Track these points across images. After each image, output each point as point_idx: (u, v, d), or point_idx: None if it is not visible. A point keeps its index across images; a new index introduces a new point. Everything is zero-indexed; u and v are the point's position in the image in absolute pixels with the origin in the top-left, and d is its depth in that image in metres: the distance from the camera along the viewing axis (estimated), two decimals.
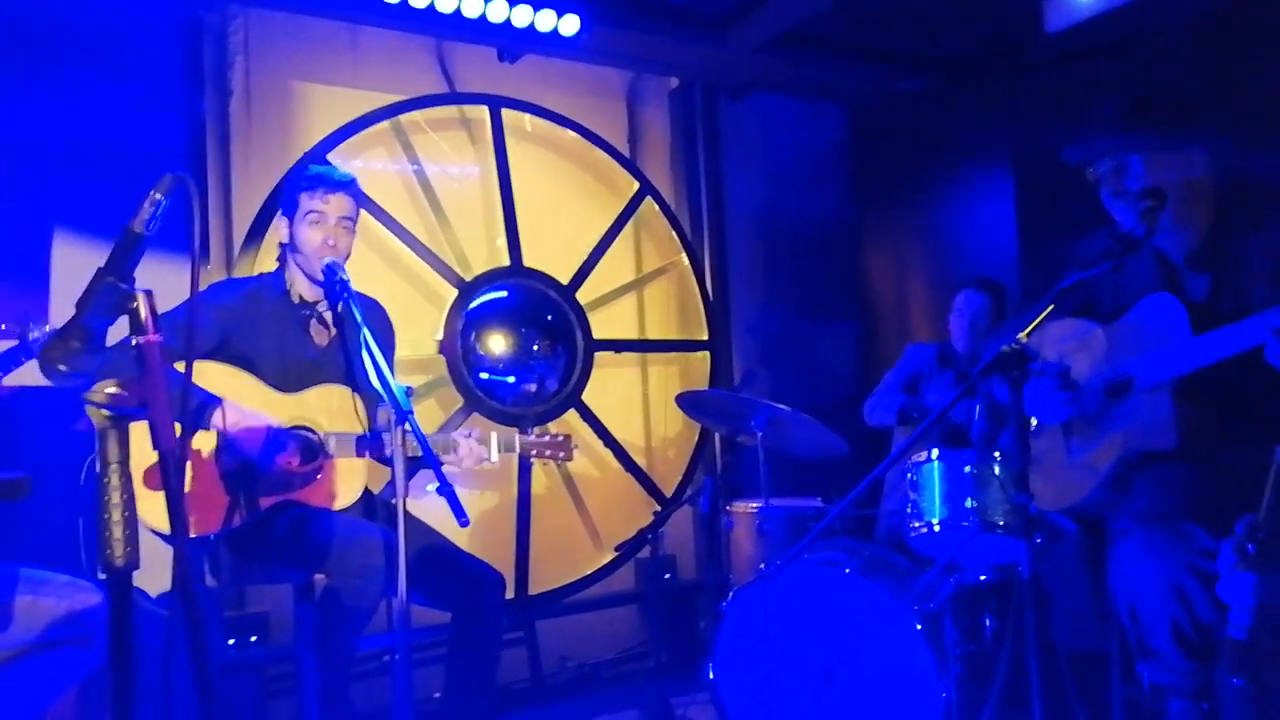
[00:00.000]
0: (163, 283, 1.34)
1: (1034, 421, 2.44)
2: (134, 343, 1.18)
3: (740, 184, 4.45)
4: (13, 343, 2.34)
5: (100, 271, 1.19)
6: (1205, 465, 2.11)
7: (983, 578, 2.79)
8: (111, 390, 1.11)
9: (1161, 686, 2.09)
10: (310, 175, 2.52)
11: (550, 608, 3.76)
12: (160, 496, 2.08)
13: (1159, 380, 2.08)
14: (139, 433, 1.20)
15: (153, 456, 1.24)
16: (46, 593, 1.50)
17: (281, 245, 2.55)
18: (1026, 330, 1.88)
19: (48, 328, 2.47)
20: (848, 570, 2.64)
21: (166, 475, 1.09)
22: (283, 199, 2.55)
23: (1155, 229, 2.05)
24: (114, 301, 1.17)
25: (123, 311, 1.19)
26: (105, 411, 1.10)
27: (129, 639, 1.06)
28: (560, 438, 2.67)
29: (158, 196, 1.24)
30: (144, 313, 1.17)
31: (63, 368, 1.15)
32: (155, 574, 1.43)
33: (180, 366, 1.55)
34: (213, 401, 2.24)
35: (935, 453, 2.80)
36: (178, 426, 1.20)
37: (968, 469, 2.73)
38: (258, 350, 2.44)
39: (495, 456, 2.53)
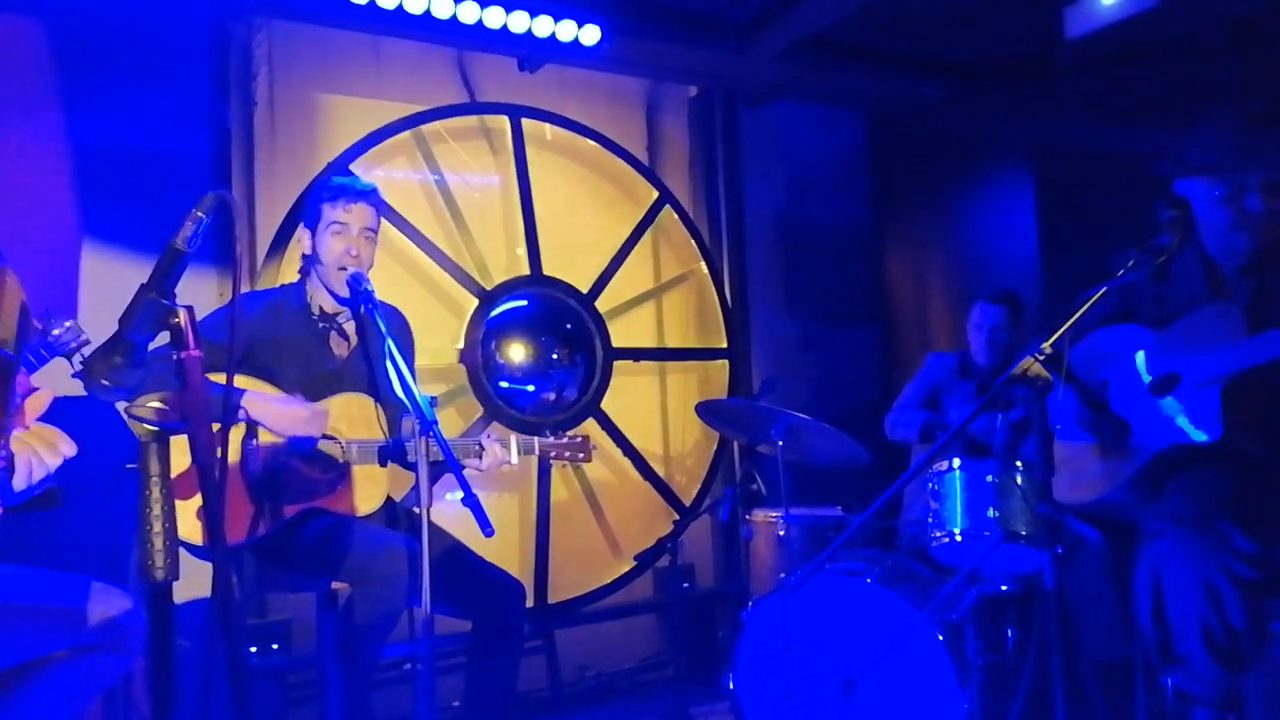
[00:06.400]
0: (182, 293, 1.34)
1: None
2: (175, 357, 1.19)
3: (759, 191, 4.45)
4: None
5: (143, 288, 1.20)
6: (1245, 466, 2.12)
7: (1005, 588, 2.78)
8: (154, 404, 1.12)
9: (1187, 695, 2.09)
10: (332, 186, 2.55)
11: (569, 617, 3.76)
12: (188, 507, 2.10)
13: (1211, 376, 2.10)
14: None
15: (179, 468, 1.25)
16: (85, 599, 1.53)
17: (304, 257, 2.58)
18: (1050, 340, 1.89)
19: (68, 324, 2.50)
20: (869, 580, 2.64)
21: (207, 490, 1.11)
22: (305, 211, 2.57)
23: (1182, 237, 2.06)
24: (156, 317, 1.19)
25: (165, 327, 1.20)
26: (148, 425, 1.12)
27: (170, 650, 1.08)
28: (579, 439, 2.70)
29: (200, 214, 1.25)
30: (185, 328, 1.19)
31: (106, 382, 1.16)
32: (180, 581, 1.44)
33: (214, 377, 1.56)
34: (236, 393, 2.25)
35: (957, 462, 2.80)
36: (215, 427, 1.20)
37: (990, 478, 2.72)
38: (279, 362, 2.45)
39: (515, 458, 2.55)
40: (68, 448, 1.32)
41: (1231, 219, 2.18)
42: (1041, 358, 1.83)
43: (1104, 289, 1.95)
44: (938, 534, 2.77)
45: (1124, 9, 3.48)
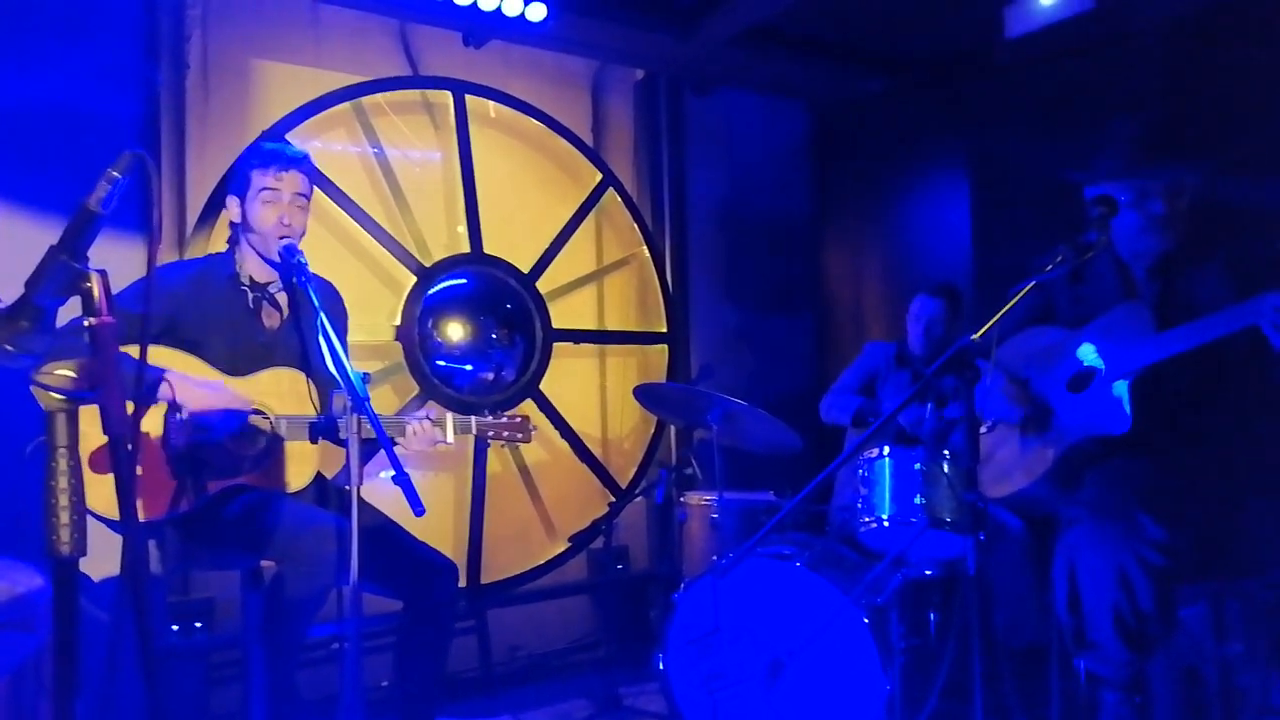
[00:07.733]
0: (107, 262, 1.29)
1: (987, 421, 2.52)
2: (87, 324, 1.15)
3: (702, 178, 4.46)
4: None
5: (53, 250, 1.15)
6: (1157, 457, 2.20)
7: (929, 573, 2.85)
8: (63, 372, 1.08)
9: (1097, 678, 2.16)
10: (263, 152, 2.48)
11: (502, 597, 3.75)
12: (106, 481, 2.03)
13: (1125, 370, 2.18)
14: (83, 415, 1.16)
15: (96, 440, 1.20)
16: None
17: (232, 225, 2.51)
18: (980, 331, 1.94)
19: None
20: (798, 564, 2.68)
21: (118, 461, 1.07)
22: (234, 178, 2.50)
23: (1108, 235, 2.13)
24: (67, 281, 1.14)
25: (76, 292, 1.15)
26: (55, 394, 1.07)
27: (74, 629, 1.04)
28: (518, 419, 2.63)
29: (115, 174, 1.20)
30: (98, 294, 1.14)
31: (10, 348, 1.11)
32: (98, 557, 1.40)
33: (126, 349, 1.50)
34: (157, 374, 2.19)
35: (886, 450, 2.85)
36: (130, 407, 1.16)
37: (917, 466, 2.78)
38: (205, 334, 2.39)
39: (451, 438, 2.50)
40: None
41: (1139, 223, 2.26)
42: (969, 348, 1.88)
43: (1033, 282, 2.01)
44: (866, 519, 2.82)
45: (1062, 10, 3.55)
